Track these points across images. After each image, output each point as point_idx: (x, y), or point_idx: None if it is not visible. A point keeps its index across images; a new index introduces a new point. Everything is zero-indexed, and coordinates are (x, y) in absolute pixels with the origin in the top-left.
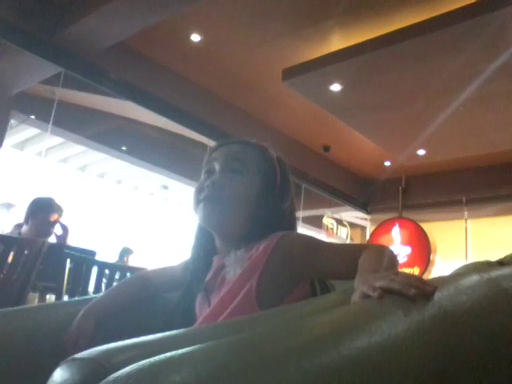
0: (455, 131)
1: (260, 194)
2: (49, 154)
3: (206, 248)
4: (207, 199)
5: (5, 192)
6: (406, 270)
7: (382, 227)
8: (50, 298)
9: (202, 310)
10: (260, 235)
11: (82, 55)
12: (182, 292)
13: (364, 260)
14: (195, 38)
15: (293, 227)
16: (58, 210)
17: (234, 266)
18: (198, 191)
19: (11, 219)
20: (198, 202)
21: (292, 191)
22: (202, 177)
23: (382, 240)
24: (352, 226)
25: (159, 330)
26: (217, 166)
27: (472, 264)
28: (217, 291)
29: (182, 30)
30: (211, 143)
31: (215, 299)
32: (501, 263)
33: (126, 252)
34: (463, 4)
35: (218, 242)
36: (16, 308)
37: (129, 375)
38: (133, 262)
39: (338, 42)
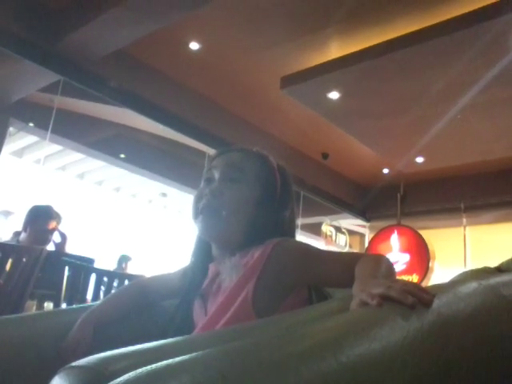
0: (453, 138)
1: (259, 202)
2: (47, 161)
3: (204, 255)
4: (206, 210)
5: (3, 199)
6: (405, 278)
7: (381, 234)
8: (48, 305)
9: (198, 318)
10: (256, 241)
11: (81, 63)
12: (179, 299)
13: (361, 268)
14: (194, 46)
15: (292, 235)
16: (56, 217)
17: (229, 273)
18: (197, 199)
19: (9, 227)
20: (196, 211)
21: (293, 200)
22: (202, 185)
23: (381, 247)
24: (351, 233)
25: (157, 338)
26: (216, 175)
27: (470, 271)
28: (213, 299)
29: (181, 38)
30: (210, 151)
31: (212, 307)
32: (499, 269)
33: (124, 259)
34: (460, 13)
35: (214, 250)
36: (14, 316)
37: (127, 383)
38: (131, 268)
39: (336, 49)
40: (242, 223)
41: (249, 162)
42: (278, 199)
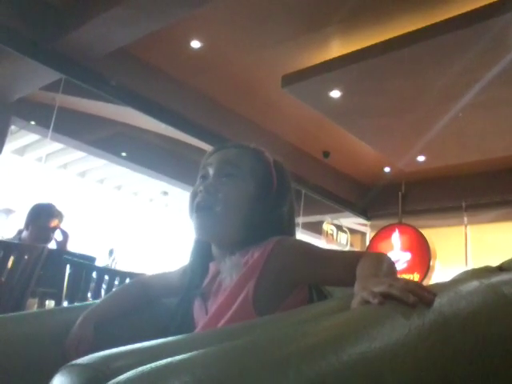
0: (454, 137)
1: (255, 198)
2: (49, 159)
3: (203, 254)
4: (200, 207)
5: (5, 198)
6: (406, 276)
7: (382, 233)
8: (50, 303)
9: (199, 317)
10: (255, 239)
11: (83, 61)
12: (179, 298)
13: (363, 266)
14: (195, 44)
15: (291, 232)
16: (58, 215)
17: (229, 272)
18: (193, 197)
19: (11, 225)
20: (192, 208)
21: (291, 196)
22: (197, 182)
23: (382, 246)
24: (352, 231)
25: (158, 336)
26: (211, 171)
27: (472, 270)
28: (213, 298)
29: (182, 37)
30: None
31: (212, 306)
32: (500, 269)
33: (112, 253)
34: (461, 11)
35: (213, 249)
36: (15, 314)
37: (128, 381)
38: (120, 260)
39: (337, 48)
40: (238, 220)
41: (244, 158)
42: (274, 195)
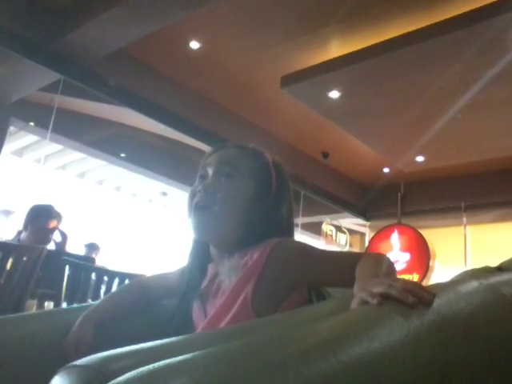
0: (454, 137)
1: (254, 198)
2: (48, 160)
3: (202, 255)
4: (199, 207)
5: (3, 199)
6: (405, 277)
7: (381, 234)
8: (49, 304)
9: (198, 320)
10: (254, 241)
11: (81, 62)
12: (178, 299)
13: (362, 267)
14: (194, 45)
15: (290, 233)
16: (57, 216)
17: (228, 274)
18: (191, 196)
19: (10, 226)
20: (190, 208)
21: (290, 196)
22: (196, 182)
23: (381, 246)
24: (351, 232)
25: (157, 337)
26: (210, 171)
27: (471, 270)
28: (212, 300)
29: (181, 38)
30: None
31: (211, 308)
32: (499, 269)
33: (92, 248)
34: (460, 12)
35: (212, 250)
36: (14, 315)
37: (127, 382)
38: (100, 258)
39: (336, 49)
40: (236, 220)
41: (243, 158)
42: (273, 195)
